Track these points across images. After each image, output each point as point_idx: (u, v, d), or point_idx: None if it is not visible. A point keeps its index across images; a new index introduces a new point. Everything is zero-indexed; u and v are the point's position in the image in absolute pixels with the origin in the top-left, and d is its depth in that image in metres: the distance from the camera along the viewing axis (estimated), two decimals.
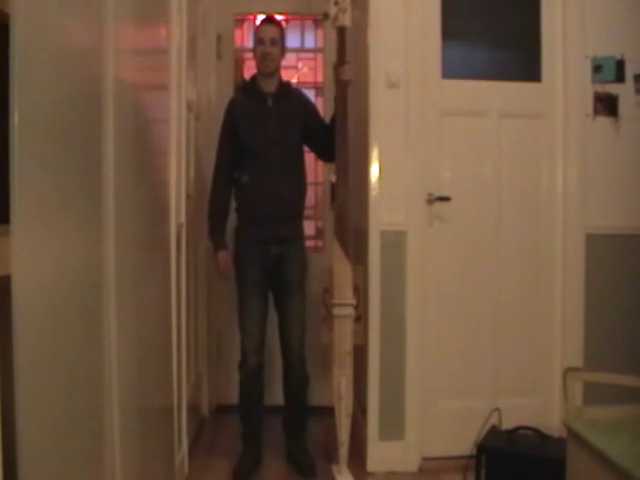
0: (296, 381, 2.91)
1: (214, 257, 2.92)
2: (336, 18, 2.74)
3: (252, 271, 2.83)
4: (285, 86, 2.94)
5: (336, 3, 2.72)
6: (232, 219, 3.02)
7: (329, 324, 2.72)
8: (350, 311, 2.72)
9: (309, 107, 2.98)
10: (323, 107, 3.59)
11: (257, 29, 2.91)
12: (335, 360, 2.70)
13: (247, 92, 2.91)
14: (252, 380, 2.85)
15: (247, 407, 2.90)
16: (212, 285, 3.57)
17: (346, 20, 2.74)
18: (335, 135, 2.76)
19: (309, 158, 3.78)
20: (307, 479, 2.79)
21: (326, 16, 2.79)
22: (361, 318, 2.75)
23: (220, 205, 2.90)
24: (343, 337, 2.70)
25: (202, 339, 3.48)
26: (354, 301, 2.72)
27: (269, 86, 2.86)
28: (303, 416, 2.98)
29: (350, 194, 2.81)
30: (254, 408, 2.90)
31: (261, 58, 2.84)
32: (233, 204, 2.94)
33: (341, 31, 2.78)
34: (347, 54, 2.81)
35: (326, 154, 2.97)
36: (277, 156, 2.81)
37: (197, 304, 3.33)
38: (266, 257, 2.82)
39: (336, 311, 2.70)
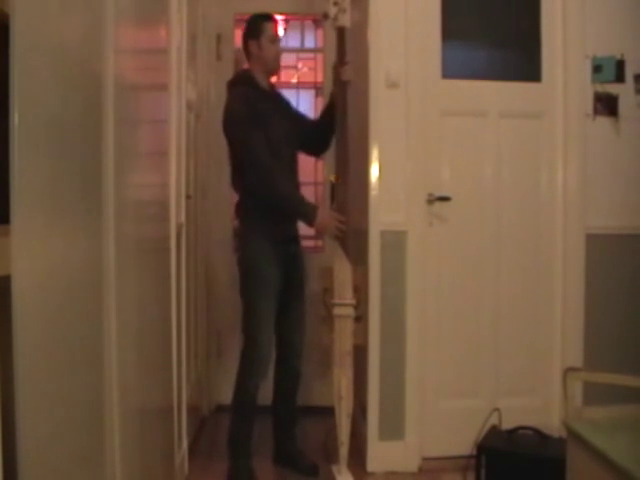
0: (293, 381, 2.88)
1: (316, 222, 2.64)
2: (336, 18, 2.74)
3: (274, 274, 2.71)
4: (274, 85, 2.93)
5: (336, 3, 2.72)
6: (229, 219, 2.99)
7: (329, 324, 2.72)
8: (350, 311, 2.71)
9: (290, 105, 2.99)
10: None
11: (269, 26, 2.79)
12: (335, 360, 2.70)
13: (248, 86, 2.77)
14: (256, 392, 2.71)
15: (249, 419, 2.74)
16: (212, 285, 3.58)
17: (346, 20, 2.74)
18: (325, 130, 2.80)
19: (309, 158, 3.79)
20: (311, 478, 2.78)
21: (326, 16, 2.78)
22: (361, 318, 2.75)
23: (287, 181, 2.70)
24: (343, 337, 2.70)
25: (202, 339, 3.47)
26: (354, 301, 2.71)
27: (266, 85, 2.84)
28: (297, 416, 2.95)
29: (350, 194, 2.81)
30: (253, 420, 2.76)
31: (276, 57, 2.80)
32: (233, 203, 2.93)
33: (341, 31, 2.78)
34: (347, 54, 2.81)
35: (312, 149, 2.99)
36: (289, 154, 2.81)
37: (197, 304, 3.33)
38: (286, 257, 2.77)
39: (336, 311, 2.70)
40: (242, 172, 2.70)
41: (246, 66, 2.88)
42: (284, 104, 2.92)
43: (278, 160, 2.68)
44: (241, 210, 2.81)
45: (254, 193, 2.69)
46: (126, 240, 1.68)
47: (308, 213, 2.67)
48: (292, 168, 2.83)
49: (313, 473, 2.80)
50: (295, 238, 2.87)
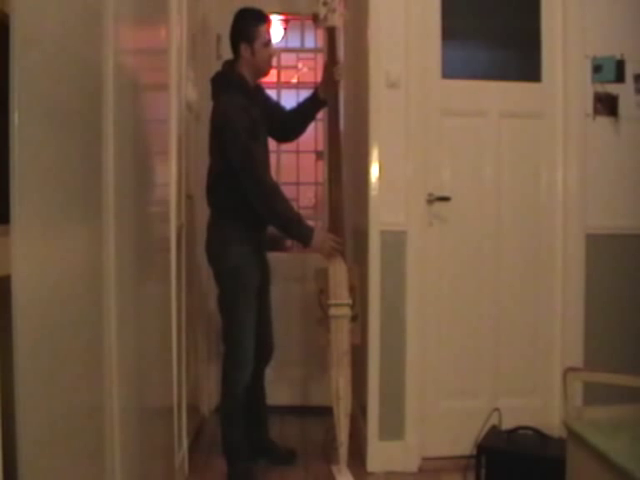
0: (263, 379, 2.93)
1: (316, 241, 2.67)
2: (325, 19, 2.74)
3: (255, 281, 2.72)
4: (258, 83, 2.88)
5: (325, 3, 2.72)
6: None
7: (326, 325, 2.72)
8: (346, 311, 2.71)
9: (266, 94, 2.95)
10: None
11: (263, 30, 2.70)
12: (332, 360, 2.70)
13: (242, 92, 2.71)
14: (243, 396, 2.72)
15: (241, 422, 2.74)
16: (212, 285, 3.57)
17: (336, 20, 2.74)
18: (299, 121, 2.88)
19: (309, 158, 3.79)
20: (290, 465, 2.87)
21: (316, 17, 2.78)
22: (357, 318, 2.75)
23: (286, 202, 2.70)
24: (340, 337, 2.70)
25: (202, 339, 3.47)
26: (350, 301, 2.72)
27: (253, 85, 2.79)
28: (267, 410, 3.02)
29: (344, 193, 2.82)
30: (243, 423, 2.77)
31: (268, 61, 2.75)
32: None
33: (331, 32, 2.78)
34: (338, 54, 2.82)
35: (282, 137, 3.04)
36: (267, 153, 2.85)
37: (197, 304, 3.33)
38: (263, 262, 2.83)
39: (332, 311, 2.70)
40: (231, 175, 2.64)
41: (233, 63, 2.76)
42: (265, 101, 2.89)
43: (263, 163, 2.72)
44: (222, 210, 2.75)
45: (244, 200, 2.64)
46: (126, 240, 1.68)
47: (305, 236, 2.69)
48: (268, 166, 2.85)
49: (292, 459, 2.89)
50: (266, 240, 2.91)
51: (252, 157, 2.62)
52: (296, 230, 2.71)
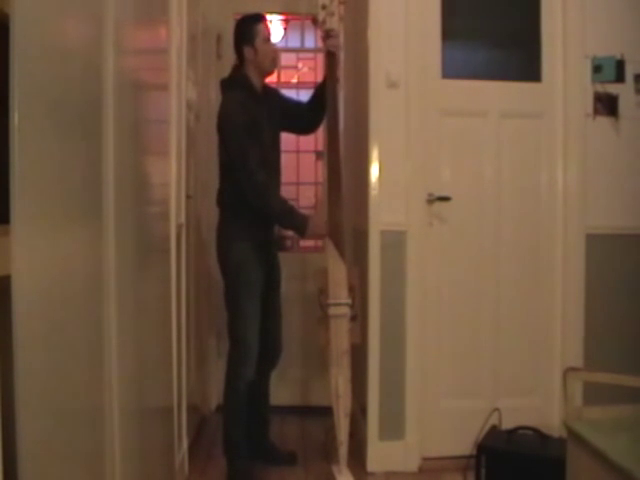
0: (269, 378, 2.94)
1: (308, 227, 2.70)
2: (324, 22, 2.75)
3: (258, 276, 2.76)
4: (266, 84, 2.92)
5: (324, 7, 2.73)
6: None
7: (325, 324, 2.72)
8: (345, 310, 2.71)
9: (280, 95, 2.99)
10: None
11: (261, 28, 2.76)
12: (332, 360, 2.69)
13: (245, 90, 2.76)
14: (246, 393, 2.74)
15: (243, 419, 2.77)
16: (212, 285, 3.57)
17: (334, 23, 2.75)
18: (315, 109, 2.85)
19: (309, 158, 3.79)
20: (292, 466, 2.87)
21: (315, 20, 2.80)
22: (357, 317, 2.75)
23: (279, 197, 2.77)
24: (339, 336, 2.69)
25: (202, 339, 3.47)
26: (349, 300, 2.72)
27: (260, 86, 2.83)
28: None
29: (343, 193, 2.81)
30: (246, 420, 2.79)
31: (273, 57, 2.79)
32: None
33: (329, 34, 2.79)
34: (339, 56, 2.83)
35: (302, 130, 3.07)
36: (275, 157, 2.86)
37: (197, 304, 3.33)
38: (267, 259, 2.83)
39: (332, 311, 2.70)
40: (233, 170, 2.71)
41: (240, 66, 2.83)
42: (274, 102, 2.89)
43: (265, 164, 2.73)
44: (227, 209, 2.82)
45: (243, 195, 2.70)
46: (126, 240, 1.68)
47: (300, 226, 2.73)
48: (277, 169, 2.88)
49: (293, 461, 2.89)
50: (273, 240, 2.95)
51: (246, 150, 2.67)
52: (289, 221, 2.77)
